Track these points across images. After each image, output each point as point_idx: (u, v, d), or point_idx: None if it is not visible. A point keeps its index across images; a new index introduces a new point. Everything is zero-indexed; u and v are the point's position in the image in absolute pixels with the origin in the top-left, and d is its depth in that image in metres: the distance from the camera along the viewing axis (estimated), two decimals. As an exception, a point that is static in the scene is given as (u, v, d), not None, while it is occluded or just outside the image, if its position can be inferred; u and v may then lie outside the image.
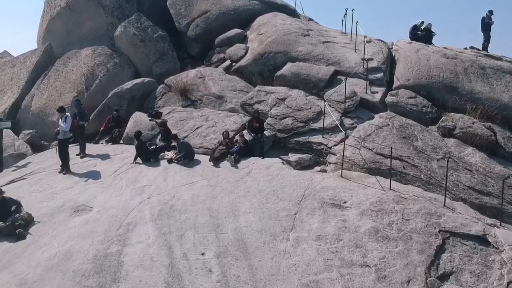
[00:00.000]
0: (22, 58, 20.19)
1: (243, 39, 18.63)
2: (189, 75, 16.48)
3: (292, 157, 12.84)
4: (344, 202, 9.96)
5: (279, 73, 15.56)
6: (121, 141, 14.64)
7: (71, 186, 11.28)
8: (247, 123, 13.56)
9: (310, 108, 13.88)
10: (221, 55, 18.27)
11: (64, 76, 18.19)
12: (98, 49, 18.64)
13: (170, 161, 12.19)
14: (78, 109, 13.35)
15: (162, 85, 16.68)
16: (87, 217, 9.82)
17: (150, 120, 14.13)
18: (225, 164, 12.06)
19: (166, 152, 12.62)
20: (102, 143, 14.86)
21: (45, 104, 17.63)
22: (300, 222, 9.36)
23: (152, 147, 12.75)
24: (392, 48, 17.02)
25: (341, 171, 11.38)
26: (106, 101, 16.06)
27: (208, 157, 12.42)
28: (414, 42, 17.02)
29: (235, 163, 11.97)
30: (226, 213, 9.71)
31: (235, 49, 17.77)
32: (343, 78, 14.88)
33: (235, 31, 18.76)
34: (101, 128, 15.08)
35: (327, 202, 10.00)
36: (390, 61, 16.05)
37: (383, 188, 10.51)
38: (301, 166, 12.51)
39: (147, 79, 16.87)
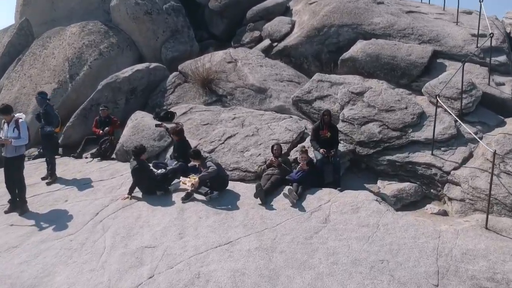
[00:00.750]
0: (-8, 38, 15.44)
1: (285, 11, 13.71)
2: (214, 58, 11.53)
3: (386, 187, 8.03)
4: (514, 284, 5.38)
5: (347, 54, 10.64)
6: (114, 155, 9.76)
7: (16, 245, 6.39)
8: (311, 131, 8.50)
9: (405, 108, 8.91)
10: (256, 33, 13.43)
11: (42, 62, 13.36)
12: (88, 25, 13.77)
13: (188, 196, 7.27)
14: (43, 107, 8.47)
15: (175, 73, 11.76)
16: (29, 322, 4.99)
17: (157, 125, 9.09)
18: (281, 201, 7.25)
19: (182, 179, 7.70)
20: (86, 158, 10.02)
21: (15, 99, 12.78)
22: None
23: (160, 170, 7.73)
24: (502, 22, 12.05)
25: (486, 219, 6.65)
26: (95, 95, 11.17)
27: (249, 185, 7.78)
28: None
29: (298, 200, 7.08)
30: (304, 318, 4.91)
31: (277, 24, 12.85)
32: (446, 62, 10.02)
33: (275, 0, 13.80)
34: (96, 134, 10.09)
35: (484, 286, 5.41)
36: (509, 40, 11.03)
37: None
38: (402, 203, 7.74)
39: (153, 65, 12.01)
